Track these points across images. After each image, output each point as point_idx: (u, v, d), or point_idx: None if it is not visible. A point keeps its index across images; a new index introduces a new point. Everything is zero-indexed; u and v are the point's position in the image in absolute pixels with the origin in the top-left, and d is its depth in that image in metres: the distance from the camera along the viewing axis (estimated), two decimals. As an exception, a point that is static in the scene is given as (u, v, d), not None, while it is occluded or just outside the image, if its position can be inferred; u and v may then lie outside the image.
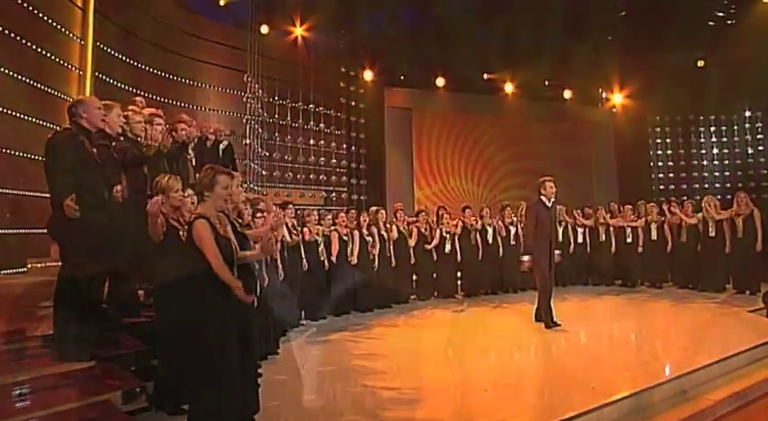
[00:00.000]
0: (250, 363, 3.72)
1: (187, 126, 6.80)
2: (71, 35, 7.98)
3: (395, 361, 5.53)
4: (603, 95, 15.76)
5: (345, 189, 13.68)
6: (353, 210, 9.49)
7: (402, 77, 13.91)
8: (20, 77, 6.75)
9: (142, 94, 9.65)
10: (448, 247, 9.64)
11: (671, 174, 15.86)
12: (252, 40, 11.32)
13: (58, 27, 7.62)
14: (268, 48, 12.07)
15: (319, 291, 7.94)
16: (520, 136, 15.35)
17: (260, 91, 11.63)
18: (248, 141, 11.10)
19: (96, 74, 8.82)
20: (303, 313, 7.70)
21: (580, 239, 10.68)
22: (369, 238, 8.65)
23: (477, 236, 9.89)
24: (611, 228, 10.59)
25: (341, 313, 8.18)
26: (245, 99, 11.09)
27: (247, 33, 11.28)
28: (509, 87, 14.57)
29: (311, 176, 12.86)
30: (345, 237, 8.35)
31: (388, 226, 9.17)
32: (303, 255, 7.66)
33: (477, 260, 9.82)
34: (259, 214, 5.71)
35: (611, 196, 14.09)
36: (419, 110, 14.55)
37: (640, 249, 10.28)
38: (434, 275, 9.68)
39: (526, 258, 6.95)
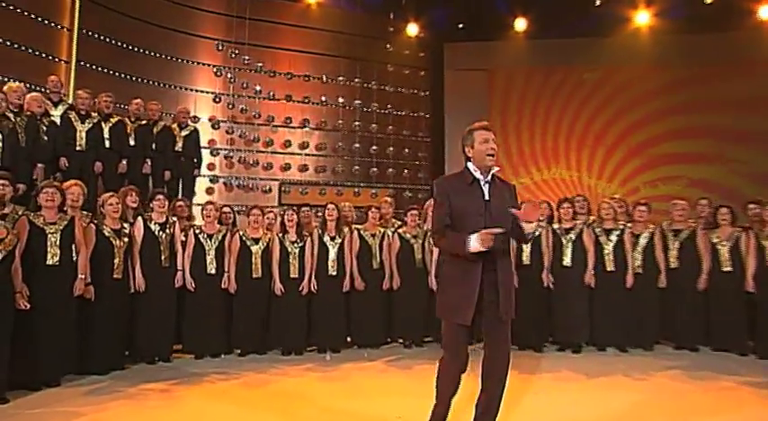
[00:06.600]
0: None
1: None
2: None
3: None
4: None
5: (422, 186, 10.51)
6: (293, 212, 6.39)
7: (460, 26, 9.79)
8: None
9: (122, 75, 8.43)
10: (331, 268, 6.00)
11: None
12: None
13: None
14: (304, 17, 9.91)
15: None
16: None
17: (253, 63, 9.71)
18: (226, 125, 9.41)
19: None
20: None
21: (611, 263, 5.39)
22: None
23: (377, 251, 5.97)
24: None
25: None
26: (217, 74, 9.40)
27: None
28: (643, 17, 8.86)
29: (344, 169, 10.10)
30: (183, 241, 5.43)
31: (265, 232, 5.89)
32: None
33: (378, 291, 5.93)
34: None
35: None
36: (492, 70, 10.20)
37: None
38: (306, 315, 5.57)
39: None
